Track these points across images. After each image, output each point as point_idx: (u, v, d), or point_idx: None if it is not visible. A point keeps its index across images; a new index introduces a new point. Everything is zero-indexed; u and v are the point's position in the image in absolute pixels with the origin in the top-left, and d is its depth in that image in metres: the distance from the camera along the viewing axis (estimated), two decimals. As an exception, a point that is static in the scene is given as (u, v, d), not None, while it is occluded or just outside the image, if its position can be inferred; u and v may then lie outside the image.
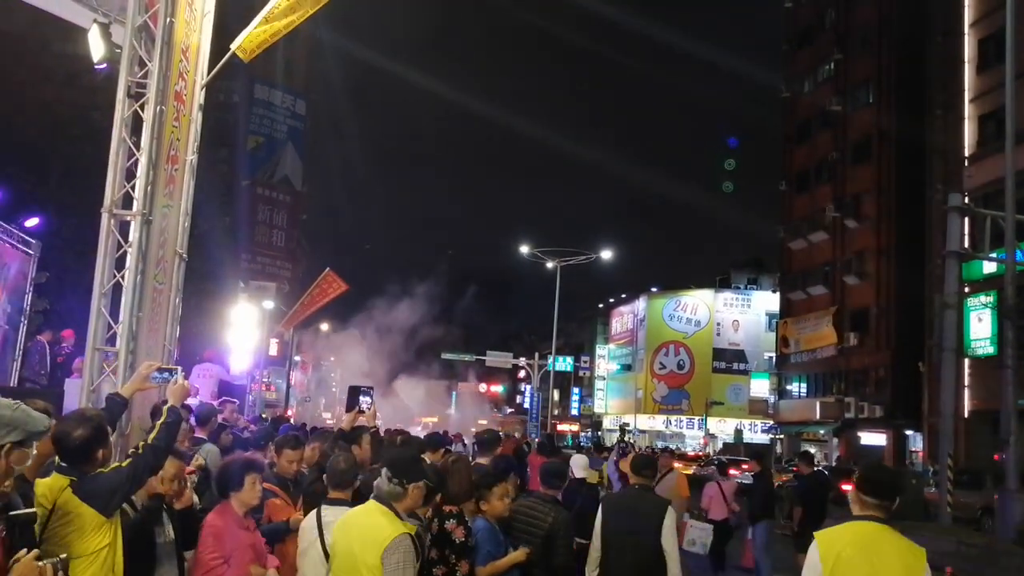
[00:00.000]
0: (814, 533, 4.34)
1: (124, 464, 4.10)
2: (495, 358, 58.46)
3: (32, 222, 16.57)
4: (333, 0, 8.06)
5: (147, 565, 4.65)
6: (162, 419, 4.42)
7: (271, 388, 51.32)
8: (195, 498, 5.53)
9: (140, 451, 4.21)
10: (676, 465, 17.73)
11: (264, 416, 27.21)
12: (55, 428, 4.10)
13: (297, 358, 44.53)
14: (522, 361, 60.47)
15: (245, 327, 31.16)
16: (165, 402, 4.83)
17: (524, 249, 50.66)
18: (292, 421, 20.72)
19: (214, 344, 26.23)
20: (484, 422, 66.51)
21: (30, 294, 15.29)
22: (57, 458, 4.07)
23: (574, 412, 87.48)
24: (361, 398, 7.89)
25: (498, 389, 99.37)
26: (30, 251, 15.09)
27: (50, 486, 3.92)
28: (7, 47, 25.60)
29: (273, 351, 47.74)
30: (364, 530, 4.40)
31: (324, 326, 65.60)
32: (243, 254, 58.01)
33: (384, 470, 4.54)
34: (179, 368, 5.18)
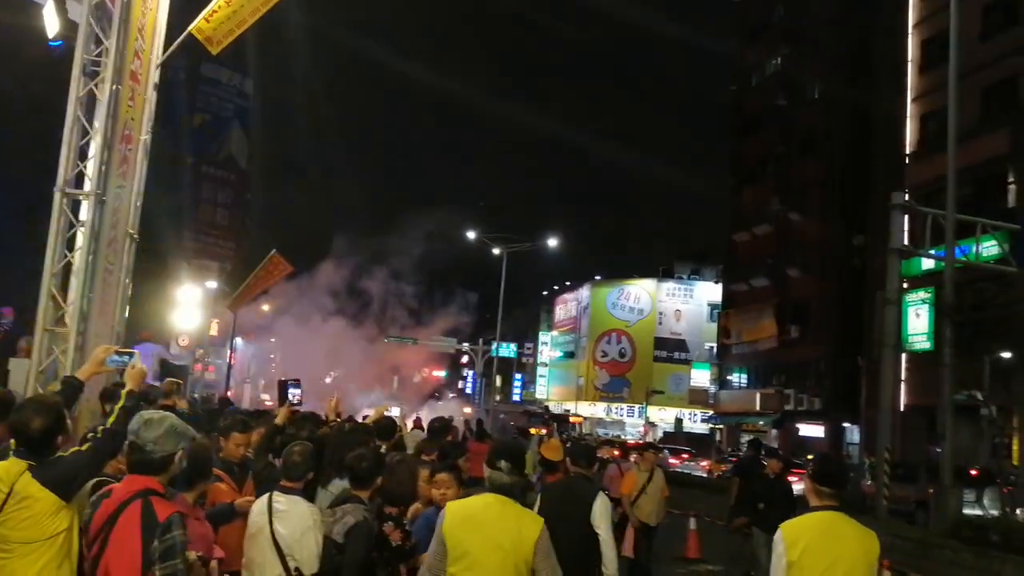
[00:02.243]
0: (779, 525, 4.52)
1: (84, 448, 4.02)
2: (439, 343, 58.26)
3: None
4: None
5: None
6: (120, 403, 4.33)
7: (211, 368, 50.69)
8: None
9: (99, 435, 4.13)
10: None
11: (196, 396, 26.84)
12: (12, 417, 4.01)
13: (238, 339, 43.98)
14: (465, 347, 60.38)
15: (188, 307, 30.70)
16: (120, 385, 4.73)
17: (471, 235, 50.58)
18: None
19: (156, 324, 25.80)
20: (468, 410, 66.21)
21: (-33, 270, 14.93)
22: (13, 442, 3.99)
23: (516, 398, 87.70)
24: (290, 391, 7.87)
25: (440, 374, 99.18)
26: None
27: (7, 469, 3.84)
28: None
29: (214, 331, 47.14)
30: (505, 524, 4.33)
31: (265, 307, 64.84)
32: (186, 232, 57.13)
33: (503, 462, 4.47)
34: (137, 352, 5.08)
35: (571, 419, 64.40)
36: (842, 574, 4.30)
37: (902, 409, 31.58)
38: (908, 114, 36.49)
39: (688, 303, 73.70)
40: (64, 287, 6.35)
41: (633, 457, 15.72)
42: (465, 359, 76.70)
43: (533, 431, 32.79)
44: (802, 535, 4.39)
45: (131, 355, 5.02)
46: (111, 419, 4.23)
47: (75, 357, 6.00)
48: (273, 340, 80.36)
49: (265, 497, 5.22)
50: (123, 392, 4.47)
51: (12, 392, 4.52)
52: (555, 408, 76.58)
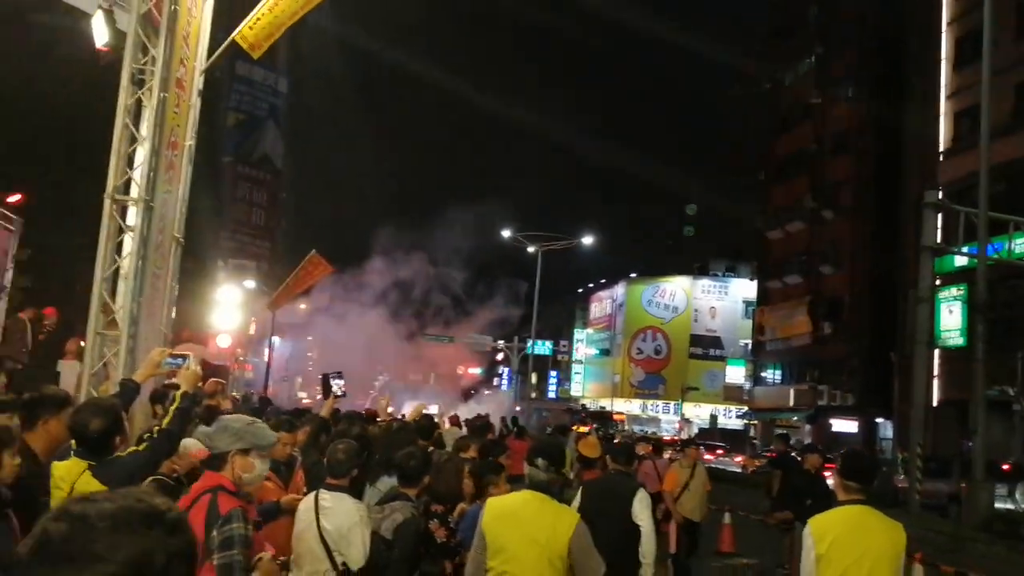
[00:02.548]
0: (808, 520, 4.71)
1: (141, 448, 4.23)
2: (475, 341, 58.50)
3: (14, 199, 16.51)
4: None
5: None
6: (175, 404, 4.55)
7: (247, 367, 51.21)
8: None
9: (155, 436, 4.35)
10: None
11: (236, 395, 27.19)
12: (71, 418, 4.24)
13: (276, 338, 44.51)
14: (501, 344, 60.59)
15: (228, 307, 31.10)
16: (173, 387, 4.97)
17: (506, 233, 50.81)
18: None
19: (196, 324, 26.16)
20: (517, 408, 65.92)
21: (10, 271, 15.28)
22: (73, 442, 4.18)
23: (551, 395, 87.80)
24: (333, 383, 8.05)
25: (475, 371, 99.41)
26: (11, 227, 15.05)
27: (68, 469, 4.02)
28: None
29: (251, 330, 47.64)
30: (542, 521, 4.46)
31: (303, 305, 65.38)
32: (222, 232, 57.70)
33: (540, 460, 4.64)
34: (190, 355, 5.33)
35: (615, 416, 64.08)
36: (869, 566, 4.44)
37: (935, 404, 31.46)
38: (941, 111, 36.29)
39: (723, 300, 73.43)
40: (113, 291, 6.61)
41: (668, 454, 15.87)
42: (500, 356, 76.99)
43: (573, 428, 32.94)
44: (830, 529, 4.54)
45: (185, 358, 5.27)
46: (166, 420, 4.45)
47: (126, 359, 6.26)
48: (310, 338, 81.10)
49: (312, 495, 5.40)
50: (177, 394, 4.70)
51: (68, 392, 4.78)
52: (591, 405, 76.63)
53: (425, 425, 9.02)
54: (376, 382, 43.00)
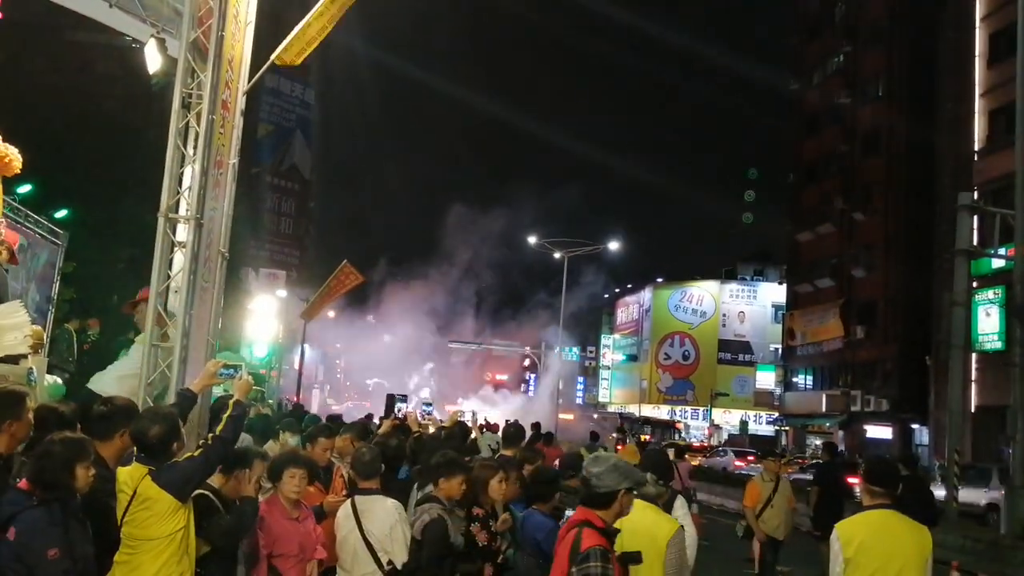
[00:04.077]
0: (835, 525, 4.85)
1: (197, 454, 4.46)
2: (503, 348, 58.73)
3: (61, 213, 16.94)
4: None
5: (232, 565, 5.00)
6: (228, 412, 4.74)
7: (273, 374, 51.64)
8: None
9: (210, 442, 4.54)
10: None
11: (271, 402, 27.53)
12: (132, 426, 4.47)
13: (305, 345, 44.88)
14: (528, 350, 60.77)
15: (263, 317, 31.45)
16: (228, 397, 5.16)
17: (532, 239, 51.01)
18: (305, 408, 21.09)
19: (231, 333, 26.49)
20: (570, 416, 65.47)
21: (57, 283, 15.68)
22: (135, 449, 4.46)
23: (579, 401, 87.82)
24: (397, 405, 8.31)
25: (503, 378, 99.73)
26: (58, 241, 15.46)
27: (131, 474, 4.31)
28: (22, 35, 25.89)
29: (280, 337, 48.09)
30: (648, 526, 4.88)
31: (331, 313, 65.96)
32: (252, 241, 58.23)
33: (649, 475, 5.01)
34: (243, 365, 5.51)
35: (676, 424, 63.03)
36: (897, 569, 4.53)
37: (973, 410, 31.15)
38: (976, 109, 35.85)
39: (752, 304, 73.10)
40: (164, 304, 6.81)
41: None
42: (527, 363, 77.14)
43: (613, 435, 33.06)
44: (856, 533, 4.64)
45: (238, 368, 5.45)
46: (219, 427, 4.65)
47: (179, 370, 6.46)
48: (338, 345, 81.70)
49: (348, 502, 5.62)
50: (231, 402, 4.89)
51: (132, 401, 5.01)
52: (619, 411, 76.52)
53: (458, 432, 9.40)
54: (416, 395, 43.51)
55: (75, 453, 3.92)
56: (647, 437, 46.01)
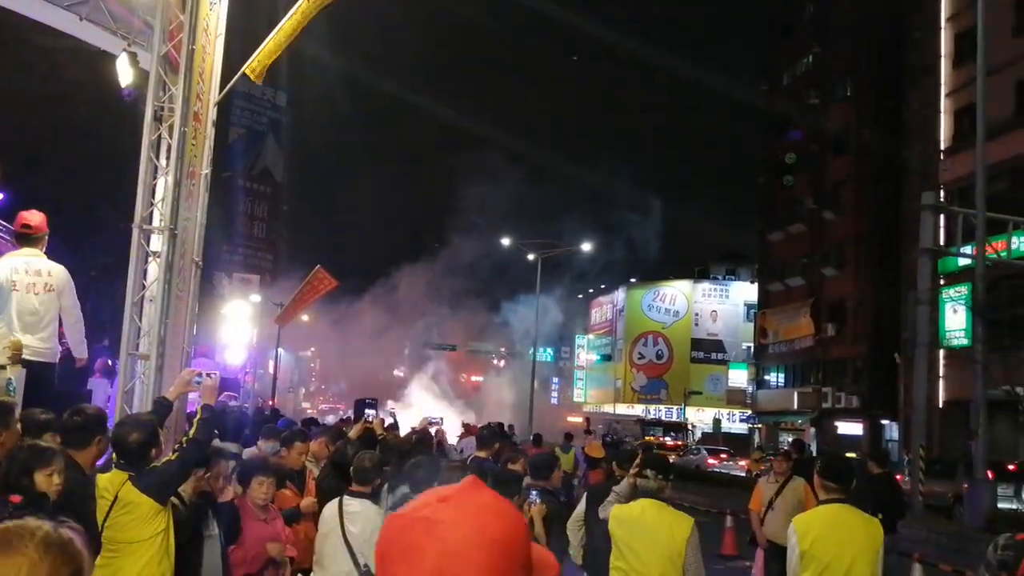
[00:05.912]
0: (792, 520, 5.10)
1: (173, 458, 4.63)
2: (478, 348, 58.86)
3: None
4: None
5: (196, 556, 5.14)
6: (198, 415, 4.93)
7: (248, 378, 51.56)
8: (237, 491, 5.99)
9: (184, 446, 4.71)
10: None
11: (247, 406, 27.55)
12: (114, 432, 4.63)
13: (280, 349, 44.88)
14: (502, 351, 60.92)
15: (237, 322, 31.43)
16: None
17: (506, 241, 51.11)
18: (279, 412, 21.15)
19: (204, 338, 26.48)
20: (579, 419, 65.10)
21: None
22: (114, 455, 4.61)
23: (553, 402, 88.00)
24: (367, 411, 8.51)
25: (478, 379, 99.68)
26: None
27: (111, 480, 4.45)
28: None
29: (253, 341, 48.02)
30: (660, 524, 5.18)
31: (305, 318, 65.75)
32: (225, 246, 58.05)
33: (649, 471, 5.37)
34: (216, 372, 5.67)
35: (687, 425, 62.26)
36: (849, 560, 4.75)
37: (941, 405, 31.56)
38: (942, 109, 36.29)
39: (724, 303, 73.59)
40: (140, 314, 6.94)
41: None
42: (501, 363, 77.22)
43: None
44: (812, 527, 4.88)
45: (211, 375, 5.61)
46: (192, 430, 4.83)
47: (155, 378, 6.59)
48: (312, 350, 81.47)
49: (336, 500, 5.78)
50: (199, 406, 5.08)
51: (101, 409, 5.19)
52: (593, 411, 76.80)
53: (422, 439, 9.61)
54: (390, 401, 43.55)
55: (35, 459, 3.93)
56: (655, 439, 46.76)
